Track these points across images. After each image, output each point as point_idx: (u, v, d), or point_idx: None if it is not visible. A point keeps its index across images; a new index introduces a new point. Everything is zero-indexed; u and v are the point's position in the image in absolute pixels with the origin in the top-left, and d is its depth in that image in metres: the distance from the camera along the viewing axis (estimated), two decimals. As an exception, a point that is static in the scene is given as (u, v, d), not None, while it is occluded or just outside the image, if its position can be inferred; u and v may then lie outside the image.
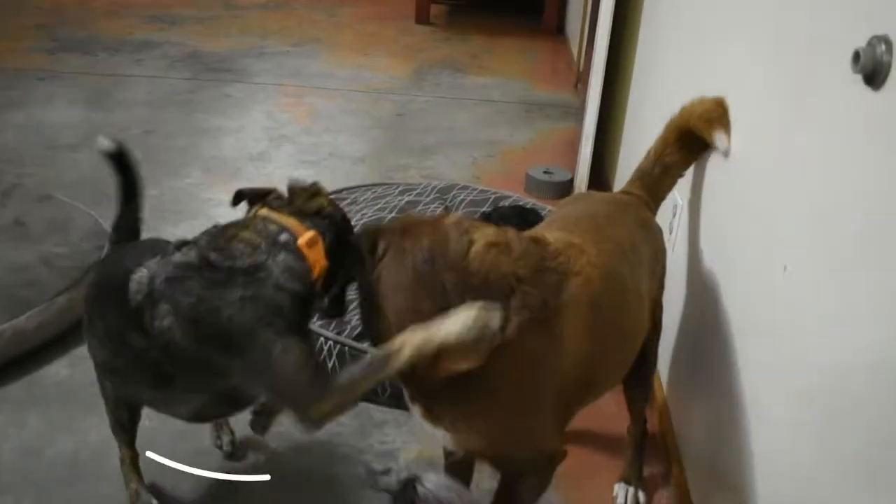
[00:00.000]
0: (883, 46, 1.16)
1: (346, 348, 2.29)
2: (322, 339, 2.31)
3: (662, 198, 2.04)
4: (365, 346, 2.29)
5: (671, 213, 2.32)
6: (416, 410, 1.49)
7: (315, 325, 2.34)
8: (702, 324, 2.02)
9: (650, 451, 2.16)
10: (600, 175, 3.63)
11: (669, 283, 2.29)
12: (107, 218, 2.97)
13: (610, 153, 3.58)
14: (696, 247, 2.13)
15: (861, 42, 1.20)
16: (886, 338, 1.13)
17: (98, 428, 2.16)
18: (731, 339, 1.80)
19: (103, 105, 4.30)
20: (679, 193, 2.27)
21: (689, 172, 2.22)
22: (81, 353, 2.42)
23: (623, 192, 2.00)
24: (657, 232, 1.90)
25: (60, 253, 2.57)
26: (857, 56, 1.20)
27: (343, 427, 2.20)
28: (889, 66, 1.16)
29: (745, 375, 1.70)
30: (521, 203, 3.16)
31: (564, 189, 3.53)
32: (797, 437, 1.42)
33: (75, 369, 2.36)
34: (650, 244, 1.81)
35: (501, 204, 3.13)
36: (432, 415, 1.46)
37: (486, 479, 1.90)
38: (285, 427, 2.19)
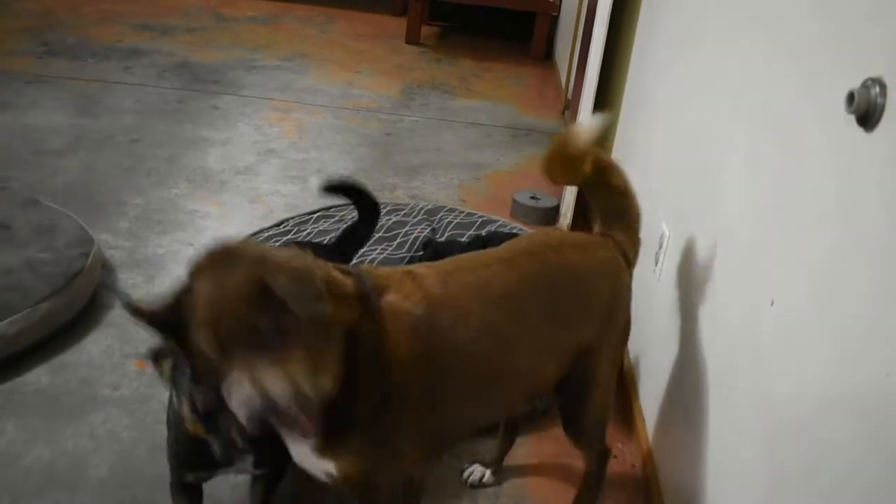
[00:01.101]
0: (877, 88, 1.19)
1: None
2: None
3: (637, 228, 1.94)
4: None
5: (657, 245, 2.34)
6: (306, 449, 1.46)
7: None
8: (688, 359, 2.03)
9: (635, 494, 2.18)
10: (586, 204, 3.65)
11: (656, 315, 2.31)
12: (93, 225, 2.97)
13: (596, 181, 3.60)
14: (683, 278, 2.15)
15: (855, 84, 1.22)
16: (870, 372, 1.15)
17: (76, 437, 2.15)
18: (716, 373, 1.81)
19: (90, 111, 4.28)
20: (666, 225, 2.30)
21: (676, 203, 2.25)
22: (62, 361, 2.41)
23: (599, 233, 1.91)
24: (593, 281, 1.77)
25: (45, 259, 2.55)
26: (851, 97, 1.22)
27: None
28: (883, 107, 1.18)
29: (730, 412, 1.71)
30: (509, 229, 3.17)
31: (550, 215, 3.55)
32: (782, 476, 1.43)
33: (56, 377, 2.34)
34: (572, 293, 1.72)
35: (497, 229, 3.12)
36: (325, 448, 1.44)
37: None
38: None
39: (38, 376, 2.34)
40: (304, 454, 1.47)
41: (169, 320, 1.32)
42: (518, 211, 3.60)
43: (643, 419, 2.36)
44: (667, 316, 2.23)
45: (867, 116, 1.21)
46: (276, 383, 1.23)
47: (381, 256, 2.85)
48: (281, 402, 1.22)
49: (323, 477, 1.50)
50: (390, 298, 1.47)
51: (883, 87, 1.18)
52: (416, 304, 1.48)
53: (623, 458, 2.29)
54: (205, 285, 1.29)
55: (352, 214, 3.25)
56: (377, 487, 1.52)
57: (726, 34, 2.05)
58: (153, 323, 1.34)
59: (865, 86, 1.21)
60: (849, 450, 1.21)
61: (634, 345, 2.54)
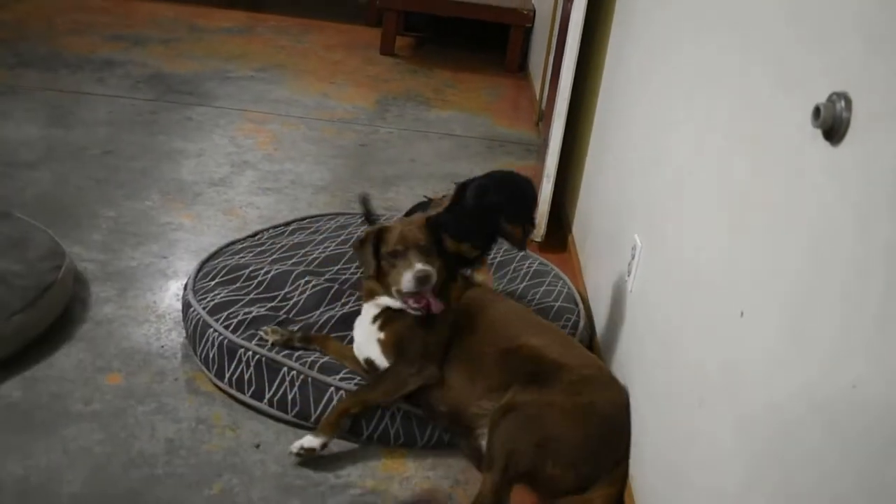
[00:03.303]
0: (843, 103, 1.21)
1: (310, 379, 2.30)
2: (285, 368, 2.32)
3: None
4: (330, 378, 2.30)
5: (630, 255, 2.36)
6: (373, 326, 2.35)
7: (279, 353, 2.36)
8: (659, 368, 2.05)
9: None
10: (560, 213, 3.67)
11: (628, 323, 2.32)
12: (65, 238, 2.95)
13: (570, 192, 3.63)
14: (655, 288, 2.17)
15: (821, 98, 1.24)
16: (838, 384, 1.17)
17: (49, 452, 2.13)
18: (687, 382, 1.83)
19: (63, 123, 4.26)
20: (639, 236, 2.32)
21: (649, 214, 2.27)
22: (34, 375, 2.39)
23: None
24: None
25: (17, 272, 2.52)
26: (817, 111, 1.24)
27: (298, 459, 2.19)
28: (848, 122, 1.21)
29: (702, 420, 1.72)
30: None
31: (524, 225, 3.55)
32: (756, 485, 1.44)
33: (28, 392, 2.32)
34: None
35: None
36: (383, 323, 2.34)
37: None
38: (240, 458, 2.18)
39: (9, 390, 2.32)
40: (367, 323, 2.37)
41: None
42: (493, 222, 3.61)
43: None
44: (638, 324, 2.25)
45: (833, 130, 1.23)
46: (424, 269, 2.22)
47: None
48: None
49: (368, 345, 2.35)
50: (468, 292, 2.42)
51: (848, 101, 1.20)
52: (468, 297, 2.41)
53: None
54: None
55: (328, 225, 3.27)
56: (404, 352, 2.27)
57: (697, 49, 2.07)
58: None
59: (831, 100, 1.23)
60: (820, 460, 1.22)
61: (607, 355, 2.55)
